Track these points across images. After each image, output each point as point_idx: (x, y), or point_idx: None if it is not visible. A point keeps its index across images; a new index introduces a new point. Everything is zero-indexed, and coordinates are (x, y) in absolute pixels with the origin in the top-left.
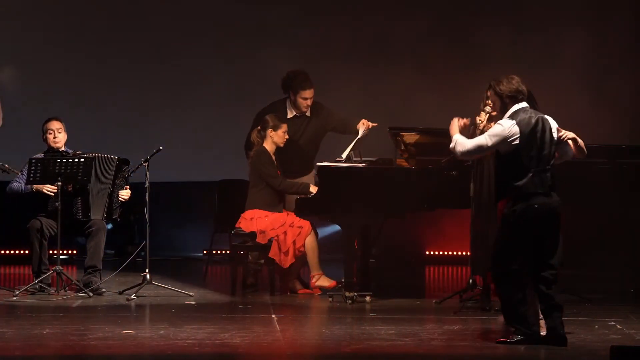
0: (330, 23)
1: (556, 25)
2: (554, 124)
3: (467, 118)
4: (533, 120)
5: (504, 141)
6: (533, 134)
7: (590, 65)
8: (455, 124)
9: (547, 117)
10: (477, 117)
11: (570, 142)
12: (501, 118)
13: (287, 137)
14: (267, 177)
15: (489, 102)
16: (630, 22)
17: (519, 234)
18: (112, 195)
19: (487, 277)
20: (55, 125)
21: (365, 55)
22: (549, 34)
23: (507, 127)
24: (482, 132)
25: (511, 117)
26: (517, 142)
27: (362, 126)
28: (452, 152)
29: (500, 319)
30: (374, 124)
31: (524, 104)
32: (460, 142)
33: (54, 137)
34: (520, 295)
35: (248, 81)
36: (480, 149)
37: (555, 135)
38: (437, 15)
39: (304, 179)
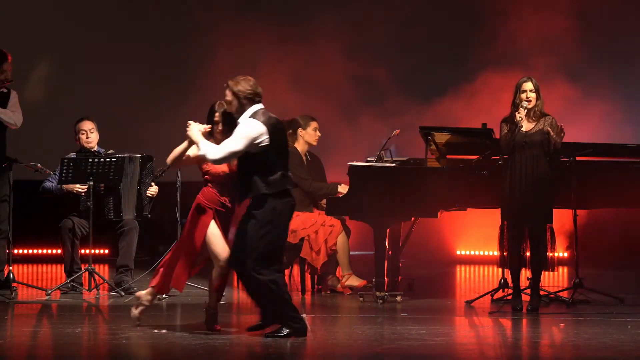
0: None
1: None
2: None
3: (207, 125)
4: (275, 121)
5: (252, 142)
6: (280, 134)
7: None
8: (195, 128)
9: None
10: (517, 113)
11: None
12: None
13: (318, 134)
14: (297, 178)
15: (526, 97)
16: None
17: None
18: (141, 192)
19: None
20: (88, 125)
21: None
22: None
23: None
24: (522, 127)
25: (253, 117)
26: (266, 142)
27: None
28: (204, 158)
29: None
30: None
31: (261, 105)
32: (212, 150)
33: (87, 138)
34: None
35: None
36: (234, 154)
37: None
38: None
39: None
